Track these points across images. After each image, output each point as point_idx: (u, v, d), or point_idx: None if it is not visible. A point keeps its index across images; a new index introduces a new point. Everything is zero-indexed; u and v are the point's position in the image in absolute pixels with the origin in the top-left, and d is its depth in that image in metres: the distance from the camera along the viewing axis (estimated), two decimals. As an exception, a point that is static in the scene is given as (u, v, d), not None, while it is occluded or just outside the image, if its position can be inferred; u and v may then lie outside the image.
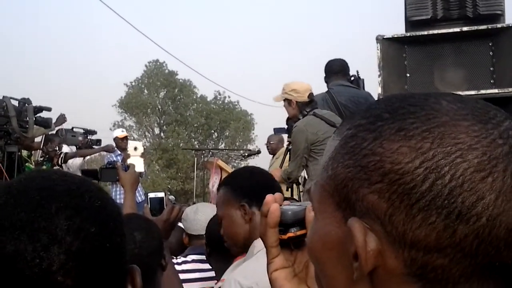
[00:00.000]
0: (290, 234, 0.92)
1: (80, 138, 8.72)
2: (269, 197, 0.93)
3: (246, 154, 12.53)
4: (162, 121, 40.03)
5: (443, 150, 0.61)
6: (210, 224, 3.02)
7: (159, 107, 39.99)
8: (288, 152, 5.58)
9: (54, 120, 6.78)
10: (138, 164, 3.11)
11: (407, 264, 0.63)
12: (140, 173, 3.25)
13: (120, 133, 9.42)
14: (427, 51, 3.59)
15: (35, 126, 5.51)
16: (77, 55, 56.56)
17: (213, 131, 40.32)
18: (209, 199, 9.90)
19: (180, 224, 3.48)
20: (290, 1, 65.74)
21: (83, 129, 8.99)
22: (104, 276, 0.87)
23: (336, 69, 5.52)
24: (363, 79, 5.88)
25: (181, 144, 36.61)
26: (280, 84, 5.23)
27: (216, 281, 2.80)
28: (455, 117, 0.63)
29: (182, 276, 2.84)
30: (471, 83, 3.49)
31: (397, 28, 3.77)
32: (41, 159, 7.83)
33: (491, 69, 3.45)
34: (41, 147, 7.67)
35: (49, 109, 5.89)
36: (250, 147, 33.74)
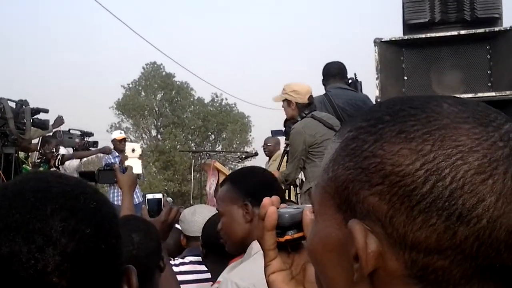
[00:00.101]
0: (287, 237, 0.92)
1: (77, 140, 8.71)
2: (266, 200, 0.94)
3: (243, 156, 12.50)
4: (159, 123, 39.99)
5: (444, 152, 0.61)
6: (206, 225, 3.02)
7: (156, 109, 39.95)
8: (286, 154, 5.58)
9: (51, 122, 6.78)
10: (136, 166, 3.11)
11: (407, 265, 0.63)
12: (138, 175, 3.24)
13: (118, 135, 9.43)
14: (425, 54, 3.60)
15: (32, 128, 5.50)
16: (74, 57, 56.53)
17: (210, 133, 40.29)
18: (206, 201, 9.89)
19: (177, 226, 3.48)
20: (290, 1, 65.80)
21: (80, 131, 8.99)
22: (99, 277, 0.88)
23: (334, 72, 5.52)
24: (360, 82, 5.89)
25: (178, 146, 36.57)
26: (278, 86, 5.24)
27: (212, 283, 2.79)
28: (456, 119, 0.63)
29: (180, 277, 2.83)
30: (468, 86, 3.50)
31: (397, 29, 3.79)
32: (38, 160, 7.81)
33: (488, 72, 3.46)
34: (38, 148, 7.65)
35: (46, 111, 5.88)
36: (247, 149, 33.74)
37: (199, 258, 3.25)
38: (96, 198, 0.92)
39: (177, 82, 40.17)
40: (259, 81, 55.10)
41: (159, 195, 2.68)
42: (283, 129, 6.01)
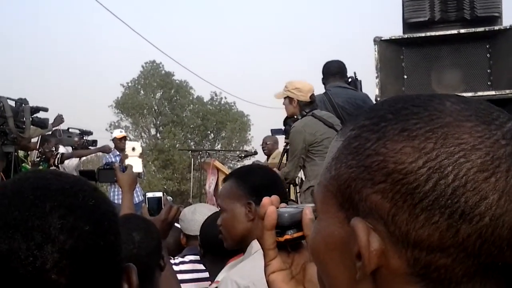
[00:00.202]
0: (287, 237, 0.92)
1: (76, 139, 8.71)
2: (266, 199, 0.94)
3: (243, 155, 12.53)
4: (158, 122, 39.97)
5: (447, 150, 0.61)
6: (204, 225, 3.02)
7: (156, 108, 39.94)
8: (286, 153, 5.58)
9: (51, 121, 6.77)
10: (136, 164, 3.10)
11: (410, 263, 0.63)
12: (139, 173, 3.24)
13: (118, 133, 9.44)
14: (425, 53, 3.60)
15: (32, 126, 5.50)
16: (73, 56, 56.49)
17: (209, 132, 40.28)
18: (205, 200, 9.89)
19: (177, 225, 3.48)
20: (290, 1, 65.76)
21: (79, 129, 8.98)
22: (99, 274, 0.88)
23: (333, 71, 5.52)
24: (360, 81, 5.89)
25: (177, 145, 36.55)
26: (278, 86, 5.23)
27: (210, 282, 2.79)
28: (458, 117, 0.63)
29: (180, 276, 2.83)
30: (468, 85, 3.50)
31: (397, 28, 3.79)
32: (38, 159, 7.80)
33: (488, 71, 3.46)
34: (38, 147, 7.65)
35: (46, 110, 5.88)
36: (246, 148, 33.69)
37: (199, 257, 3.25)
38: (95, 196, 0.92)
39: (176, 81, 40.16)
40: (258, 80, 55.09)
41: (159, 194, 2.68)
42: (283, 128, 6.00)
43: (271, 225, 0.92)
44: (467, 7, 3.47)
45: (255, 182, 2.27)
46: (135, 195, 7.62)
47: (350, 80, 5.73)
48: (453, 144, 0.62)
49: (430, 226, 0.61)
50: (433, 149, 0.62)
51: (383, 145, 0.64)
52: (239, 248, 2.35)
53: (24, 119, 5.35)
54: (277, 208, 0.93)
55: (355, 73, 5.90)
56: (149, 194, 2.66)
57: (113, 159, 8.39)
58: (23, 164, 6.60)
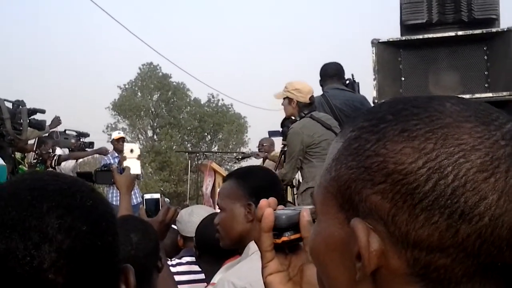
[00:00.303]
0: (284, 238, 0.92)
1: (73, 141, 8.69)
2: (263, 201, 0.94)
3: (240, 157, 12.53)
4: (155, 124, 39.95)
5: (446, 150, 0.62)
6: (200, 227, 3.01)
7: (153, 109, 39.91)
8: (283, 155, 5.57)
9: (48, 123, 6.76)
10: (134, 166, 3.09)
11: (410, 264, 0.63)
12: (137, 175, 3.24)
13: (116, 135, 9.46)
14: (422, 55, 3.61)
15: (29, 128, 5.49)
16: (71, 57, 56.44)
17: (206, 134, 40.26)
18: (202, 201, 9.89)
19: (174, 226, 3.48)
20: (290, 1, 65.76)
21: (76, 131, 8.97)
22: (96, 275, 0.88)
23: (331, 73, 5.53)
24: (358, 83, 5.90)
25: (174, 147, 36.58)
26: (276, 87, 5.23)
27: (206, 284, 2.79)
28: (458, 118, 0.64)
29: (176, 278, 2.83)
30: (465, 87, 3.51)
31: (397, 30, 3.79)
32: (35, 161, 7.78)
33: (485, 73, 3.47)
34: (35, 149, 7.64)
35: (43, 111, 5.86)
36: (243, 150, 33.72)
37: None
38: (92, 196, 0.92)
39: (174, 83, 40.15)
40: (256, 82, 55.09)
41: (157, 195, 2.67)
42: (280, 129, 6.00)
43: (268, 227, 0.92)
44: (465, 9, 3.47)
45: (255, 183, 2.26)
46: (133, 197, 7.63)
47: (347, 82, 5.73)
48: (453, 144, 0.62)
49: (430, 226, 0.61)
50: (433, 149, 0.62)
51: (383, 146, 0.65)
52: (235, 249, 2.34)
53: (21, 121, 5.34)
54: (275, 210, 0.93)
55: (352, 75, 5.91)
56: (147, 196, 2.65)
57: (112, 161, 8.38)
58: (20, 166, 6.58)
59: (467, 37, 3.47)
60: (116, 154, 8.71)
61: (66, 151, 8.76)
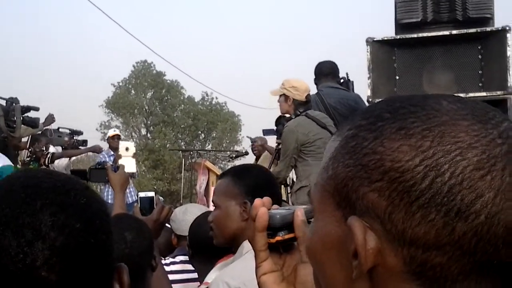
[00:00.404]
0: (278, 238, 0.92)
1: (66, 139, 8.69)
2: (257, 201, 0.94)
3: (234, 156, 12.53)
4: (149, 122, 39.91)
5: (443, 148, 0.62)
6: (193, 226, 3.01)
7: (146, 107, 39.87)
8: (277, 153, 5.57)
9: (42, 120, 6.75)
10: (130, 164, 3.09)
11: (406, 262, 0.63)
12: (132, 173, 3.24)
13: (112, 132, 9.44)
14: (417, 53, 3.61)
15: (22, 126, 5.48)
16: (64, 54, 56.31)
17: (200, 132, 40.26)
18: (196, 200, 9.89)
19: (167, 225, 3.48)
20: (290, 1, 65.70)
21: (69, 129, 8.96)
22: (89, 272, 0.88)
23: (326, 71, 5.53)
24: (352, 81, 5.90)
25: (167, 145, 36.54)
26: (273, 86, 5.22)
27: (199, 283, 2.79)
28: (455, 116, 0.64)
29: (170, 277, 2.83)
30: (459, 86, 3.51)
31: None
32: (28, 159, 7.77)
33: (479, 72, 3.47)
34: (28, 147, 7.62)
35: (37, 109, 5.86)
36: (237, 148, 33.69)
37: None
38: (86, 194, 0.92)
39: (168, 81, 40.12)
40: (252, 80, 55.01)
41: (151, 194, 2.67)
42: (275, 128, 6.00)
43: (262, 226, 0.92)
44: (460, 8, 3.48)
45: (252, 181, 2.24)
46: (128, 195, 7.62)
47: (342, 80, 5.74)
48: (449, 142, 0.62)
49: (426, 224, 0.61)
50: (429, 147, 0.62)
51: (380, 144, 0.65)
52: (228, 247, 2.33)
53: (15, 118, 5.33)
54: (269, 209, 0.93)
55: (347, 74, 5.92)
56: (141, 194, 2.65)
57: (107, 159, 8.36)
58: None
59: (461, 36, 3.47)
60: (112, 152, 8.69)
61: (60, 149, 8.74)
